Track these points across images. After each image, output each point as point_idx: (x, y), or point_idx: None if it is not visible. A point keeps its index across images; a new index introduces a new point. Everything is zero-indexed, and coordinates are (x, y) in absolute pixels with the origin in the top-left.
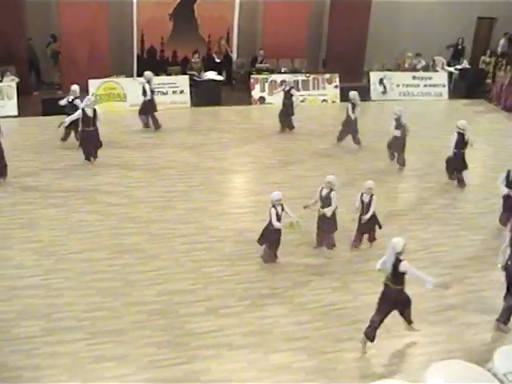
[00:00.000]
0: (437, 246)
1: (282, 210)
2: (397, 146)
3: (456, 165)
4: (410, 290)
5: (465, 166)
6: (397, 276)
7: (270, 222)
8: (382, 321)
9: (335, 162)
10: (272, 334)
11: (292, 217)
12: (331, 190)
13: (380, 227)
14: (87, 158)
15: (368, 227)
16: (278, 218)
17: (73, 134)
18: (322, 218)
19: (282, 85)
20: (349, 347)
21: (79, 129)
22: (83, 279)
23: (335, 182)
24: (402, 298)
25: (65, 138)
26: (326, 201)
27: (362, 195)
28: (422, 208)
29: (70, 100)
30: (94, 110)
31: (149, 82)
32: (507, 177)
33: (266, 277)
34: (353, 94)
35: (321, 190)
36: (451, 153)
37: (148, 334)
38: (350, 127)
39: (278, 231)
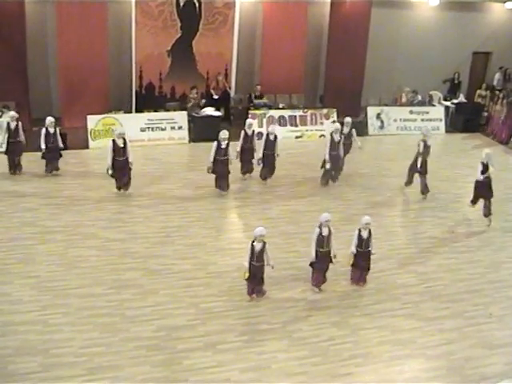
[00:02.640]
0: (435, 279)
1: (264, 246)
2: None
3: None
4: (407, 325)
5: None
6: None
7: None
8: None
9: (332, 197)
10: (270, 370)
11: (269, 261)
12: (329, 228)
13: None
14: (118, 188)
15: (366, 264)
16: (258, 255)
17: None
18: (321, 258)
19: (270, 123)
20: (348, 382)
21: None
22: (81, 315)
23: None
24: None
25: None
26: (328, 240)
27: (360, 231)
28: (420, 242)
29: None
30: (124, 141)
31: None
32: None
33: (264, 312)
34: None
35: (321, 231)
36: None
37: (146, 370)
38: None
39: (259, 267)
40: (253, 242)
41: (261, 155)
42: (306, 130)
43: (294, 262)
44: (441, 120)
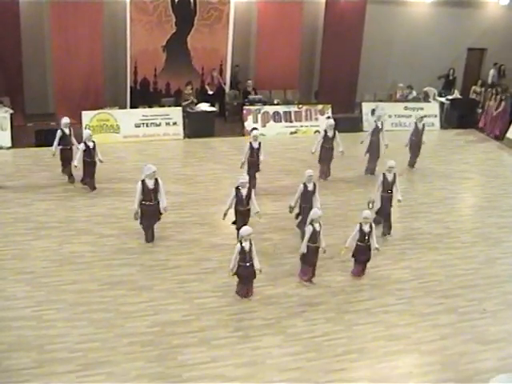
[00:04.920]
0: (430, 275)
1: (251, 245)
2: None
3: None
4: (401, 320)
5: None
6: None
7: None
8: None
9: (328, 193)
10: (265, 365)
11: (255, 263)
12: (320, 223)
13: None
14: (148, 240)
15: (368, 257)
16: (248, 255)
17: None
18: (313, 253)
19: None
20: (342, 378)
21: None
22: (75, 310)
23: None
24: None
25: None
26: (318, 235)
27: (361, 225)
28: (416, 237)
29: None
30: (156, 181)
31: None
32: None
33: (258, 308)
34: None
35: (314, 228)
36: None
37: (140, 366)
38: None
39: (250, 267)
40: (240, 242)
41: (294, 205)
42: (301, 126)
43: (288, 258)
44: (436, 116)
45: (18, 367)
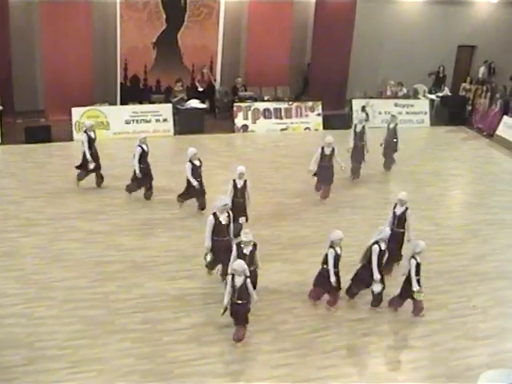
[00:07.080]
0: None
1: (245, 281)
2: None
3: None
4: (391, 316)
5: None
6: None
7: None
8: None
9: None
10: (255, 362)
11: (252, 297)
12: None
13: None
14: (223, 276)
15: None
16: (240, 291)
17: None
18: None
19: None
20: (332, 374)
21: None
22: (65, 307)
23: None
24: None
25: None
26: (338, 260)
27: (415, 258)
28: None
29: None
30: (229, 215)
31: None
32: None
33: None
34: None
35: (336, 251)
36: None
37: (131, 363)
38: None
39: (239, 306)
40: (232, 276)
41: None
42: (291, 123)
43: (279, 255)
44: (426, 113)
45: (8, 364)
